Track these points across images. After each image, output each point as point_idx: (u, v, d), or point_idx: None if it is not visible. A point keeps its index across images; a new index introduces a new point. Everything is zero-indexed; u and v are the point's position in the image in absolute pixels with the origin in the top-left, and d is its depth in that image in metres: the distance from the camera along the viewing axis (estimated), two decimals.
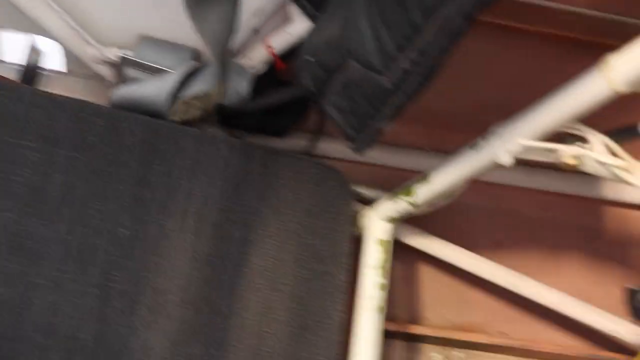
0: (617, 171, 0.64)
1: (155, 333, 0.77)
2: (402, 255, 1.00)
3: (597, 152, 0.64)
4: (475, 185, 0.94)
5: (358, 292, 0.86)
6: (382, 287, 0.84)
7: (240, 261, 0.82)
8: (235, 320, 0.80)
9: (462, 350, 0.98)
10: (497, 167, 0.70)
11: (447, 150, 0.79)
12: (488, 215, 1.00)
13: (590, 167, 0.66)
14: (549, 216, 1.01)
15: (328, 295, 0.84)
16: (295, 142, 0.92)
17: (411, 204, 0.81)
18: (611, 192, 0.97)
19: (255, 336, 0.80)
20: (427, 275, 1.01)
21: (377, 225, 0.86)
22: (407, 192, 0.82)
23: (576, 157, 0.66)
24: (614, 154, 0.65)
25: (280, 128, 0.90)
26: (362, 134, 0.68)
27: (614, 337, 0.89)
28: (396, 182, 0.87)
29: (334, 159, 0.95)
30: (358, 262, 0.88)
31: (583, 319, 0.90)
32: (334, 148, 0.95)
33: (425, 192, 0.79)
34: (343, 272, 0.85)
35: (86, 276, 0.75)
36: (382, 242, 0.86)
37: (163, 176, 0.80)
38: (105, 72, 0.88)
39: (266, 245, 0.83)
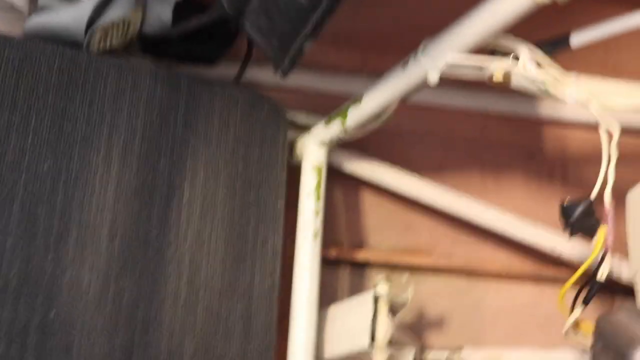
0: (545, 86, 0.62)
1: (84, 269, 0.75)
2: (343, 182, 0.98)
3: (524, 66, 0.62)
4: (412, 108, 0.92)
5: (296, 220, 0.84)
6: (320, 212, 0.82)
7: (170, 193, 0.80)
8: (168, 253, 0.78)
9: (407, 273, 0.97)
10: (426, 85, 0.68)
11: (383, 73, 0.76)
12: (426, 139, 0.99)
13: (519, 83, 0.64)
14: (488, 137, 0.99)
15: (264, 224, 0.82)
16: (226, 70, 0.88)
17: (344, 127, 0.79)
18: (550, 111, 0.96)
19: (189, 268, 0.78)
20: (370, 201, 0.99)
21: (312, 150, 0.85)
22: (341, 115, 0.80)
23: (505, 72, 0.64)
24: (544, 67, 0.63)
25: (208, 55, 0.87)
26: (283, 55, 0.65)
27: (556, 254, 0.89)
28: (332, 108, 0.85)
29: (269, 86, 0.92)
30: (294, 189, 0.86)
31: (525, 238, 0.90)
32: (268, 75, 0.92)
33: (357, 114, 0.77)
34: (279, 200, 0.83)
35: (6, 213, 0.73)
36: (317, 168, 0.84)
37: (84, 108, 0.77)
38: (18, 1, 0.83)
39: (197, 176, 0.81)
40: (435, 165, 0.99)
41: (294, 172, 0.87)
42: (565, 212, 0.64)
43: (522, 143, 1.00)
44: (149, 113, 0.80)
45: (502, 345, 0.94)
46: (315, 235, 0.82)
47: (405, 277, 0.96)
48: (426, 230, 0.99)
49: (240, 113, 0.84)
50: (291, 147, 0.88)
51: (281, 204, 0.83)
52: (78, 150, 0.77)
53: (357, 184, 0.98)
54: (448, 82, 0.67)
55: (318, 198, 0.84)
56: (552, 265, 0.96)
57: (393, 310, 0.81)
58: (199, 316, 0.77)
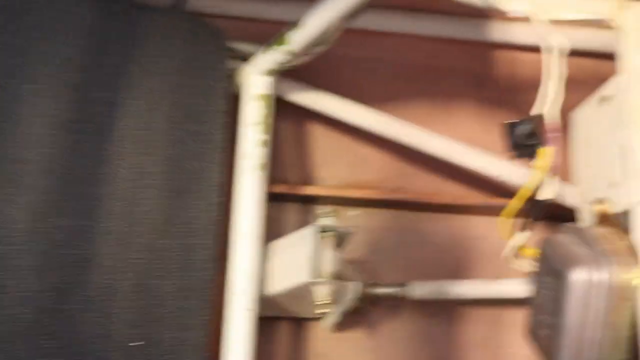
0: None
1: (17, 206, 0.72)
2: (289, 114, 0.95)
3: None
4: (360, 34, 0.89)
5: (238, 152, 0.81)
6: (264, 143, 0.80)
7: (106, 125, 0.76)
8: (105, 188, 0.74)
9: (357, 208, 0.96)
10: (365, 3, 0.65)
11: None
12: (374, 66, 0.96)
13: None
14: (436, 63, 0.97)
15: (204, 156, 0.79)
16: None
17: (286, 52, 0.76)
18: (499, 34, 0.93)
19: (127, 203, 0.75)
20: (318, 134, 0.97)
21: (254, 79, 0.81)
22: (282, 41, 0.77)
23: None
24: None
25: None
26: None
27: (506, 182, 0.88)
28: (274, 35, 0.81)
29: (209, 14, 0.88)
30: (237, 121, 0.83)
31: (475, 167, 0.88)
32: (208, 3, 0.88)
33: (299, 38, 0.74)
34: (219, 130, 0.80)
35: None
36: (260, 97, 0.81)
37: (12, 37, 0.73)
38: None
39: (134, 107, 0.77)
40: (384, 94, 0.96)
41: (237, 103, 0.83)
42: (508, 132, 0.62)
43: (471, 68, 0.98)
44: (83, 41, 0.76)
45: (451, 278, 0.93)
46: (260, 167, 0.79)
47: (354, 211, 0.95)
48: (375, 164, 0.97)
49: (181, 41, 0.80)
50: (233, 77, 0.85)
51: (222, 135, 0.80)
52: (6, 81, 0.73)
53: (304, 115, 0.95)
54: (397, 6, 0.64)
55: (266, 129, 0.81)
56: (502, 196, 0.94)
57: (338, 244, 0.79)
58: (136, 252, 0.75)
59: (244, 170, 0.79)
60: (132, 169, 0.76)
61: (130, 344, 0.73)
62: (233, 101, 0.83)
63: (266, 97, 0.81)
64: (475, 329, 0.93)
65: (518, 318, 0.92)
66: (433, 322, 0.93)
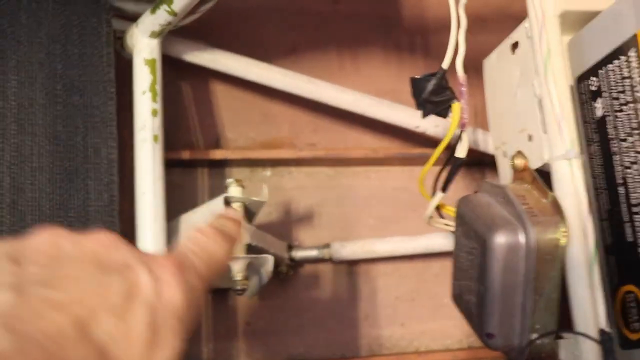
0: None
1: None
2: (190, 75, 0.89)
3: None
4: None
5: (132, 122, 0.74)
6: (154, 112, 0.73)
7: None
8: None
9: (269, 168, 0.90)
10: None
11: None
12: (277, 18, 0.90)
13: None
14: (343, 9, 0.91)
15: (94, 131, 0.72)
16: None
17: (171, 12, 0.69)
18: None
19: (10, 192, 0.68)
20: (223, 94, 0.90)
21: (140, 43, 0.74)
22: (165, 1, 0.69)
23: None
24: None
25: None
26: None
27: (420, 132, 0.84)
28: None
29: None
30: (126, 88, 0.76)
31: (388, 118, 0.84)
32: None
33: None
34: (109, 102, 0.73)
35: None
36: (149, 62, 0.74)
37: None
38: None
39: (8, 84, 0.69)
40: (288, 46, 0.90)
41: (130, 69, 0.76)
42: (417, 88, 0.58)
43: (378, 13, 0.92)
44: None
45: (374, 234, 0.89)
46: (154, 139, 0.72)
47: (266, 172, 0.90)
48: (285, 121, 0.91)
49: (53, 6, 0.72)
50: (125, 40, 0.77)
51: (112, 106, 0.73)
52: None
53: (205, 76, 0.89)
54: None
55: (155, 96, 0.74)
56: (420, 145, 0.91)
57: (249, 213, 0.74)
58: None
59: (137, 143, 0.72)
60: (13, 153, 0.68)
61: None
62: (129, 66, 0.76)
63: (151, 62, 0.73)
64: (404, 284, 0.91)
65: (448, 267, 0.89)
66: (359, 281, 0.89)
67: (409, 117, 0.81)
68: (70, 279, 0.33)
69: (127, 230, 0.74)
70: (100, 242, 0.35)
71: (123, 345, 0.32)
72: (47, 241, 0.35)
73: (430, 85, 0.57)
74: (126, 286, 0.33)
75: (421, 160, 0.90)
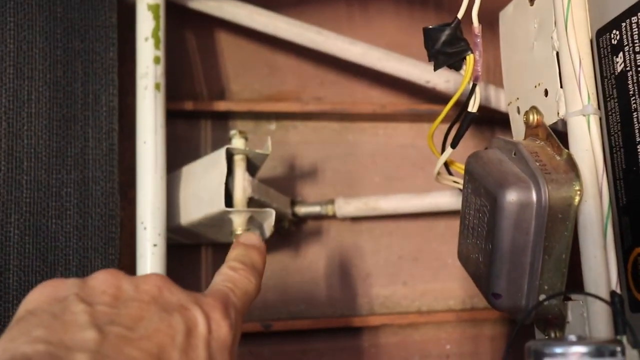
0: None
1: None
2: (195, 24, 0.86)
3: None
4: None
5: (135, 71, 0.72)
6: (157, 60, 0.70)
7: None
8: None
9: (274, 121, 0.88)
10: None
11: None
12: None
13: None
14: None
15: (95, 77, 0.70)
16: None
17: None
18: None
19: (6, 137, 0.66)
20: (228, 44, 0.88)
21: None
22: None
23: None
24: None
25: None
26: None
27: (430, 87, 0.81)
28: None
29: None
30: (130, 34, 0.73)
31: (398, 72, 0.81)
32: None
33: None
34: (110, 48, 0.71)
35: None
36: (152, 7, 0.71)
37: None
38: None
39: (6, 27, 0.67)
40: None
41: (133, 15, 0.73)
42: (430, 39, 0.55)
43: None
44: None
45: (379, 191, 0.88)
46: (156, 87, 0.70)
47: (271, 125, 0.88)
48: (291, 73, 0.89)
49: None
50: None
51: (114, 52, 0.71)
52: None
53: (210, 24, 0.86)
54: None
55: (158, 43, 0.71)
56: (428, 102, 0.88)
57: (252, 166, 0.72)
58: (24, 191, 0.66)
59: (140, 91, 0.70)
60: (12, 98, 0.67)
61: None
62: (132, 12, 0.73)
63: (154, 8, 0.71)
64: (408, 243, 0.89)
65: (454, 227, 0.88)
66: (362, 239, 0.88)
67: (419, 72, 0.79)
68: (137, 318, 0.37)
69: (127, 181, 0.73)
70: (155, 284, 0.40)
71: None
72: (107, 283, 0.39)
73: (444, 35, 0.54)
74: (186, 325, 0.38)
75: (430, 117, 0.88)
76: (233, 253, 0.48)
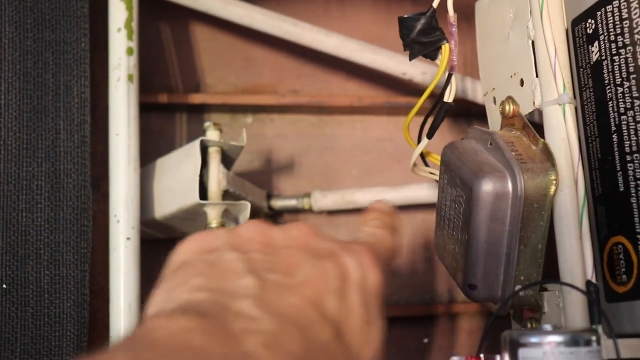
0: None
1: None
2: (169, 16, 0.85)
3: None
4: None
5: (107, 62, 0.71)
6: (130, 51, 0.69)
7: None
8: None
9: (251, 115, 0.87)
10: None
11: None
12: None
13: None
14: None
15: (66, 68, 0.69)
16: None
17: None
18: None
19: None
20: (203, 37, 0.87)
21: None
22: None
23: None
24: None
25: None
26: None
27: (407, 80, 0.81)
28: None
29: None
30: (102, 25, 0.72)
31: (374, 64, 0.81)
32: None
33: None
34: (82, 39, 0.69)
35: None
36: None
37: None
38: None
39: None
40: None
41: (105, 5, 0.72)
42: (405, 28, 0.55)
43: None
44: None
45: (356, 185, 0.87)
46: (128, 79, 0.69)
47: (247, 119, 0.87)
48: (267, 66, 0.88)
49: None
50: None
51: (85, 42, 0.70)
52: None
53: (185, 16, 0.85)
54: None
55: (131, 34, 0.70)
56: (405, 94, 0.88)
57: (227, 159, 0.71)
58: None
59: (112, 82, 0.69)
60: None
61: (4, 286, 0.65)
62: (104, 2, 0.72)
63: None
64: None
65: (431, 220, 0.87)
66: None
67: (395, 63, 0.78)
68: (291, 265, 0.36)
69: (100, 173, 0.71)
70: (303, 231, 0.39)
71: (348, 323, 0.35)
72: (256, 231, 0.39)
73: (419, 24, 0.54)
74: (339, 270, 0.37)
75: (407, 110, 0.86)
76: (369, 215, 0.47)
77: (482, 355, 0.45)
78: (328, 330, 0.34)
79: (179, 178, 0.69)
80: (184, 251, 0.38)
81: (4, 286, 0.65)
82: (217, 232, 0.39)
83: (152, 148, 0.78)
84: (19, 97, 0.66)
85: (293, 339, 0.32)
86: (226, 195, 0.69)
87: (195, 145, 0.67)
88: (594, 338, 0.41)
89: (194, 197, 0.66)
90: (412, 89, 0.85)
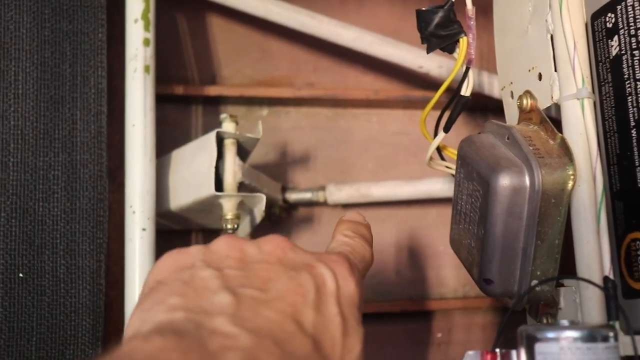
0: None
1: None
2: (186, 7, 0.85)
3: None
4: None
5: (124, 53, 0.71)
6: (146, 42, 0.69)
7: None
8: None
9: (266, 107, 0.87)
10: None
11: None
12: None
13: None
14: None
15: (84, 59, 0.69)
16: None
17: None
18: None
19: None
20: (219, 28, 0.87)
21: None
22: None
23: None
24: None
25: None
26: None
27: (423, 73, 0.81)
28: None
29: None
30: (119, 16, 0.72)
31: (391, 57, 0.80)
32: None
33: None
34: (99, 29, 0.70)
35: None
36: None
37: None
38: None
39: None
40: None
41: None
42: (423, 21, 0.54)
43: None
44: None
45: (371, 178, 0.87)
46: (145, 70, 0.69)
47: (263, 111, 0.87)
48: (284, 58, 0.88)
49: None
50: None
51: (103, 33, 0.70)
52: None
53: (202, 7, 0.85)
54: None
55: (147, 25, 0.70)
56: (422, 88, 0.87)
57: (243, 151, 0.71)
58: (11, 174, 0.65)
59: (129, 73, 0.69)
60: None
61: (21, 275, 0.66)
62: None
63: None
64: (400, 230, 0.88)
65: (446, 214, 0.87)
66: None
67: (412, 57, 0.78)
68: (266, 279, 0.36)
69: (116, 165, 0.72)
70: (278, 244, 0.39)
71: (327, 334, 0.35)
72: (230, 247, 0.39)
73: (437, 17, 0.53)
74: (315, 282, 0.37)
75: (423, 104, 0.86)
76: (342, 226, 0.47)
77: (498, 350, 0.45)
78: (307, 343, 0.34)
79: (194, 170, 0.69)
80: (159, 270, 0.39)
81: (21, 275, 0.65)
82: (192, 250, 0.39)
83: (167, 139, 0.78)
84: (37, 87, 0.67)
85: (271, 353, 0.32)
86: (241, 187, 0.70)
87: (212, 137, 0.67)
88: (611, 334, 0.41)
89: (209, 189, 0.66)
90: (428, 82, 0.84)
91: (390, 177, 0.87)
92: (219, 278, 0.36)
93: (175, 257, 0.39)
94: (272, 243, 0.40)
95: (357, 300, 0.39)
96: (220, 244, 0.39)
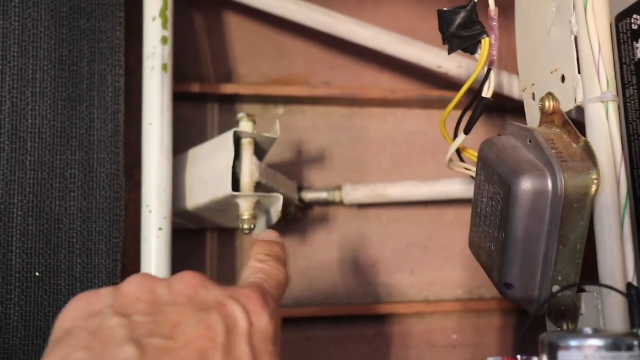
0: None
1: None
2: (203, 5, 0.85)
3: None
4: None
5: (142, 52, 0.71)
6: (164, 40, 0.69)
7: None
8: None
9: (282, 106, 0.87)
10: None
11: None
12: None
13: None
14: None
15: (101, 57, 0.69)
16: None
17: None
18: None
19: (10, 116, 0.65)
20: (236, 26, 0.86)
21: None
22: None
23: None
24: None
25: None
26: None
27: (442, 73, 0.80)
28: None
29: None
30: (137, 14, 0.72)
31: (409, 57, 0.79)
32: None
33: None
34: (117, 28, 0.69)
35: None
36: None
37: None
38: None
39: (11, 4, 0.66)
40: None
41: None
42: (445, 21, 0.54)
43: None
44: None
45: (387, 178, 0.86)
46: (163, 68, 0.68)
47: (278, 110, 0.86)
48: (300, 57, 0.88)
49: None
50: None
51: (121, 31, 0.70)
52: None
53: (218, 5, 0.85)
54: None
55: (165, 23, 0.70)
56: (439, 87, 0.87)
57: (260, 150, 0.71)
58: (28, 172, 0.65)
59: (146, 71, 0.69)
60: (16, 77, 0.65)
61: (37, 274, 0.65)
62: None
63: None
64: (416, 231, 0.88)
65: (463, 216, 0.87)
66: (370, 227, 0.87)
67: (431, 57, 0.77)
68: (175, 324, 0.36)
69: (133, 163, 0.71)
70: (190, 282, 0.39)
71: None
72: (141, 288, 0.38)
73: (459, 18, 0.53)
74: (225, 323, 0.37)
75: (441, 104, 0.87)
76: (255, 249, 0.47)
77: (519, 357, 0.44)
78: None
79: (211, 169, 0.69)
80: (68, 317, 0.38)
81: (37, 274, 0.65)
82: (102, 293, 0.39)
83: (183, 137, 0.78)
84: (54, 86, 0.67)
85: None
86: (258, 187, 0.69)
87: (229, 136, 0.67)
88: (636, 343, 0.40)
89: (226, 189, 0.66)
90: (445, 82, 0.84)
91: (406, 176, 0.86)
92: (126, 327, 0.36)
93: (83, 302, 0.39)
94: (184, 281, 0.39)
95: (271, 335, 0.39)
96: (131, 285, 0.39)
